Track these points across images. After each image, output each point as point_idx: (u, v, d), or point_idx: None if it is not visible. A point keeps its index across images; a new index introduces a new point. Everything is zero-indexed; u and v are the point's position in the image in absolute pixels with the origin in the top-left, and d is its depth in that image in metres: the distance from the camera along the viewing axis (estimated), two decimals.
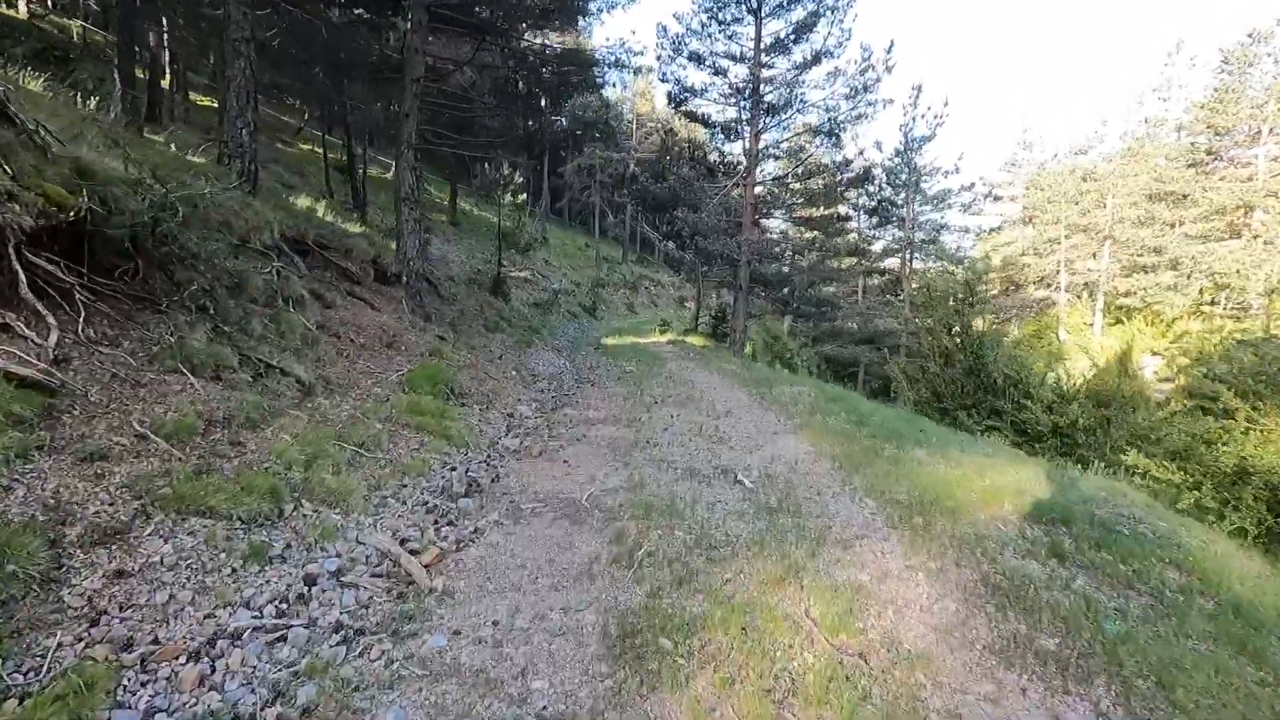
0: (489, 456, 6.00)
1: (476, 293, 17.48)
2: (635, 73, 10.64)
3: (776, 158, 16.80)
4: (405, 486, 4.88)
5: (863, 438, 7.11)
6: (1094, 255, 33.42)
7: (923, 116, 20.48)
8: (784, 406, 8.88)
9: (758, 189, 17.38)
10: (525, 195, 19.31)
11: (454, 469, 5.43)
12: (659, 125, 36.99)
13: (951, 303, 13.68)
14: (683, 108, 17.51)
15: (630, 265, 38.48)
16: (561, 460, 6.07)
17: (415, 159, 10.08)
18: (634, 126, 37.15)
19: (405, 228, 9.97)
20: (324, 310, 7.67)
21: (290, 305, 6.91)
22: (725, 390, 10.30)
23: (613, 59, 10.53)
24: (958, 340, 13.42)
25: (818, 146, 15.89)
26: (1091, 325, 32.28)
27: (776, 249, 18.23)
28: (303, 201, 13.70)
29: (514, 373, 9.62)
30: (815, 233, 19.02)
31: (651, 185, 17.03)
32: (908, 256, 21.52)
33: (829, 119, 15.50)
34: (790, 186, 16.89)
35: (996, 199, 24.63)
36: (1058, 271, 31.99)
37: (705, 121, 17.70)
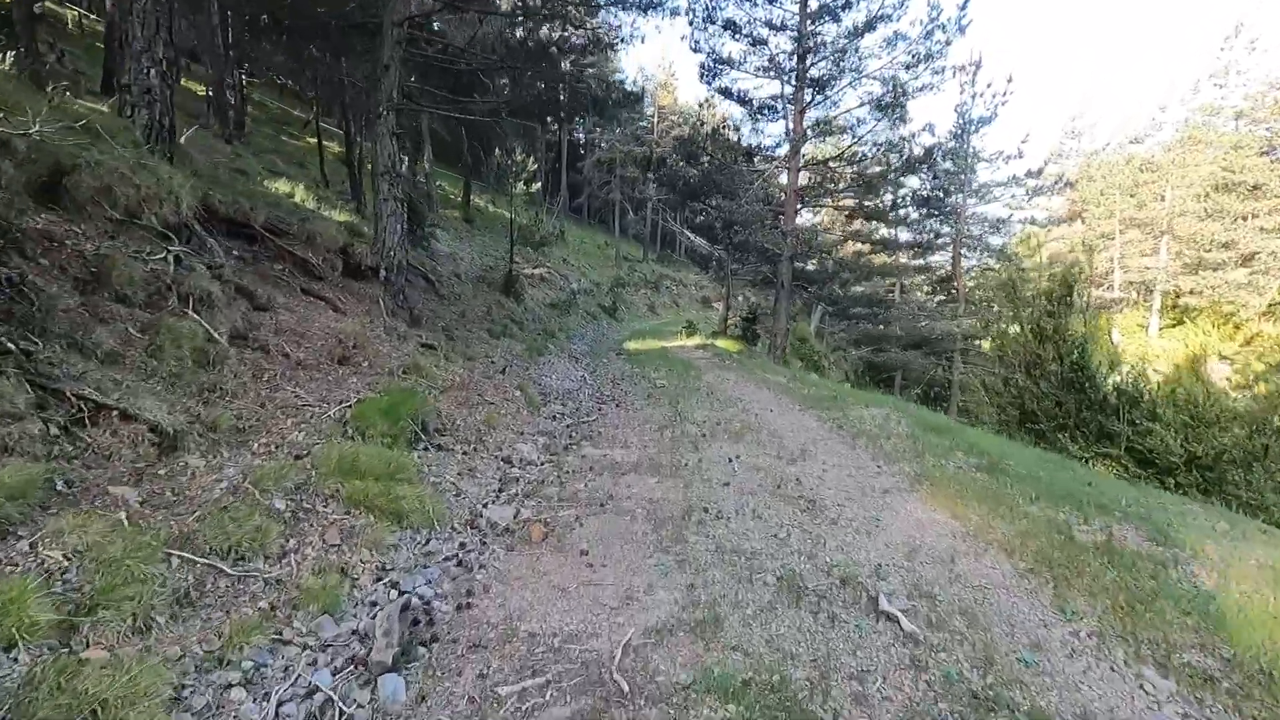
0: (462, 547, 3.68)
1: (485, 292, 15.27)
2: (673, 14, 8.25)
3: (830, 133, 14.30)
4: (286, 644, 2.57)
5: (1020, 500, 4.69)
6: (1142, 254, 30.33)
7: (980, 95, 17.86)
8: (874, 441, 6.46)
9: (802, 175, 14.93)
10: (539, 184, 17.05)
11: (394, 585, 3.11)
12: (681, 119, 34.53)
13: (1043, 301, 11.16)
14: (716, 82, 15.09)
15: (651, 264, 36.13)
16: (577, 550, 3.73)
17: (397, 123, 7.82)
18: (655, 120, 34.73)
19: (384, 208, 7.72)
20: (252, 313, 5.41)
21: (190, 306, 4.66)
22: (785, 413, 7.91)
23: (644, 1, 8.18)
24: (1052, 347, 10.88)
25: (875, 124, 13.36)
26: (1146, 327, 29.24)
27: (818, 240, 15.71)
28: (280, 186, 11.59)
29: (518, 392, 7.30)
30: (873, 223, 16.53)
31: (681, 169, 14.65)
32: (959, 252, 18.90)
33: (888, 91, 12.98)
34: (839, 172, 14.40)
35: (1069, 185, 21.82)
36: (1110, 270, 28.99)
37: (742, 99, 15.27)
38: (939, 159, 14.29)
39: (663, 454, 5.80)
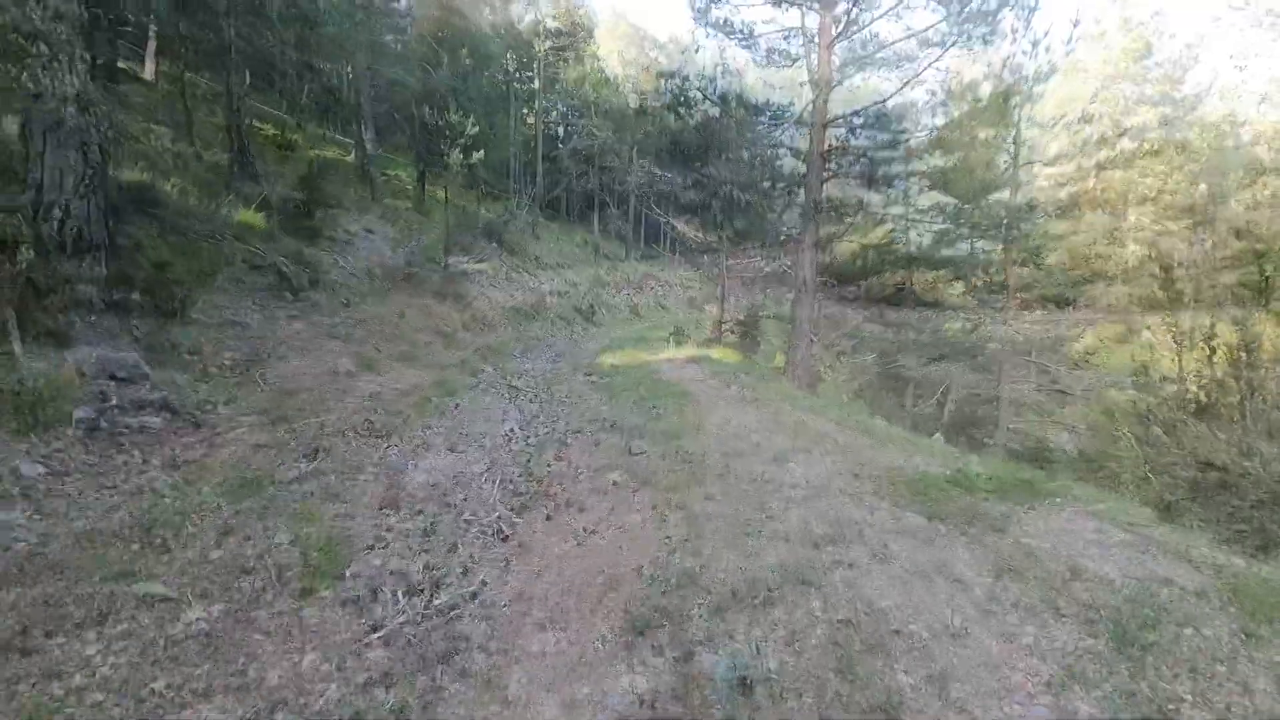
0: None
1: (409, 296, 10.91)
2: None
3: (879, 63, 10.05)
4: None
5: None
6: (1177, 245, 26.46)
7: (1036, 44, 13.76)
8: None
9: (830, 133, 10.66)
10: (481, 152, 12.66)
11: None
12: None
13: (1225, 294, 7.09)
14: (713, 12, 10.80)
15: (635, 262, 31.84)
16: None
17: None
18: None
19: (37, 120, 3.34)
20: None
21: None
22: (905, 542, 3.63)
23: None
24: (1249, 372, 6.72)
25: (944, 52, 9.10)
26: None
27: (858, 218, 11.44)
28: None
29: (299, 554, 2.91)
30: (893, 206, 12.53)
31: (672, 123, 10.34)
32: (1014, 235, 14.89)
33: (959, 10, 8.73)
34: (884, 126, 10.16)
35: (1155, 155, 17.84)
36: (1143, 263, 25.04)
37: (746, 36, 10.98)
38: (1014, 107, 10.09)
39: None
